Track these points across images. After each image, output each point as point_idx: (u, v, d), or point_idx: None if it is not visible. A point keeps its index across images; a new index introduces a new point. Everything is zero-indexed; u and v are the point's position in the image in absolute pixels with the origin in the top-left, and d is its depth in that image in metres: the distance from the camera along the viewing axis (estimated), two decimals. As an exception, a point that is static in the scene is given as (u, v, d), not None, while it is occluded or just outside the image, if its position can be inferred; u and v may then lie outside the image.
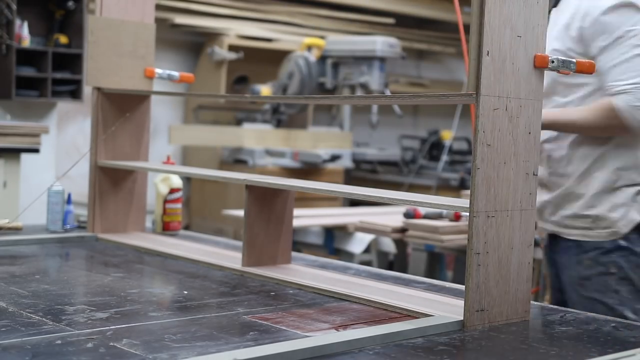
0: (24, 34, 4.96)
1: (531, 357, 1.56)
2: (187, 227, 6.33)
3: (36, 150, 4.58)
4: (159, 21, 3.02)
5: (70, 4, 5.12)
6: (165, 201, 2.90)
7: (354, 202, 5.94)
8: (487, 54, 1.69)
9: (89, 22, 2.75)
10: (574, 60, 1.80)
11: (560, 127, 2.37)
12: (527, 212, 1.81)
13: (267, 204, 2.32)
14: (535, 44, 1.78)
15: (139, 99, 2.85)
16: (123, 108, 2.81)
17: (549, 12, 2.38)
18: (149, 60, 2.86)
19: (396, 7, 7.26)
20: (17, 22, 4.91)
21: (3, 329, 1.58)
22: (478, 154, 1.70)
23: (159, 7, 5.54)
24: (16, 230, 2.76)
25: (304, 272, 2.27)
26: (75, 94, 5.19)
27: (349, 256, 3.94)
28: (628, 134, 2.31)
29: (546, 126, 2.32)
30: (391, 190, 2.11)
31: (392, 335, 1.61)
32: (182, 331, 1.63)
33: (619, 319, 1.89)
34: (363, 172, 6.87)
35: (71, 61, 5.15)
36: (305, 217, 4.24)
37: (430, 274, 4.13)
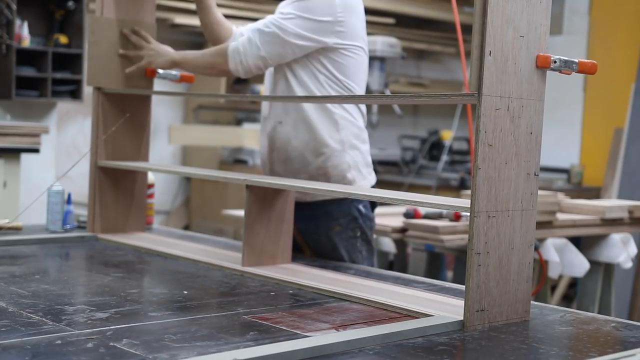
0: (24, 34, 4.95)
1: (531, 357, 1.56)
2: (187, 227, 6.33)
3: (36, 150, 4.58)
4: (159, 21, 3.02)
5: (70, 4, 5.12)
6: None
7: (354, 202, 5.94)
8: (490, 54, 1.69)
9: (89, 22, 2.75)
10: (576, 60, 1.80)
11: (185, 65, 2.73)
12: (528, 212, 1.81)
13: (267, 204, 2.32)
14: (537, 44, 1.78)
15: (139, 99, 2.85)
16: (123, 108, 2.81)
17: None
18: (149, 60, 2.86)
19: (396, 7, 7.26)
20: (17, 22, 4.90)
21: (3, 329, 1.58)
22: (479, 154, 1.70)
23: (159, 7, 5.53)
24: (16, 230, 2.76)
25: (304, 272, 2.27)
26: (75, 94, 5.19)
27: (349, 256, 3.93)
28: (228, 74, 2.67)
29: (175, 64, 2.76)
30: (391, 190, 2.11)
31: (392, 335, 1.61)
32: (182, 331, 1.63)
33: (618, 319, 1.89)
34: (363, 172, 6.86)
35: (71, 61, 5.15)
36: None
37: (430, 274, 4.12)
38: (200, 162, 6.37)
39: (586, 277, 3.96)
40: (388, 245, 4.05)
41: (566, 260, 3.78)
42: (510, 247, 1.78)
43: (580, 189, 6.46)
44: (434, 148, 6.85)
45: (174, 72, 2.94)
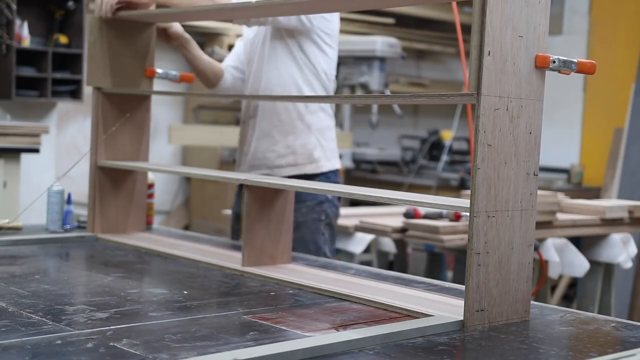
0: (24, 34, 4.95)
1: (531, 357, 1.56)
2: (187, 227, 6.33)
3: (36, 150, 4.58)
4: (159, 21, 3.01)
5: (70, 4, 5.11)
6: None
7: (354, 202, 5.94)
8: (489, 54, 1.69)
9: (89, 22, 2.75)
10: (575, 60, 1.80)
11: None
12: (528, 212, 1.81)
13: (267, 204, 2.32)
14: (536, 44, 1.78)
15: (139, 99, 2.85)
16: (123, 108, 2.81)
17: None
18: (149, 60, 2.86)
19: (396, 7, 7.25)
20: (17, 22, 4.90)
21: (3, 329, 1.58)
22: (479, 154, 1.70)
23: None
24: (16, 230, 2.76)
25: (304, 272, 2.27)
26: (75, 94, 5.19)
27: (349, 256, 3.93)
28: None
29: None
30: (391, 190, 2.11)
31: (392, 335, 1.61)
32: (182, 331, 1.63)
33: (618, 319, 1.89)
34: (363, 172, 6.87)
35: (71, 61, 5.15)
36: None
37: (430, 274, 4.12)
38: (200, 162, 6.37)
39: (586, 277, 3.96)
40: (388, 245, 4.05)
41: (566, 260, 3.78)
42: (510, 247, 1.78)
43: (580, 189, 6.46)
44: (434, 148, 6.85)
45: (174, 72, 2.94)
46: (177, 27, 2.92)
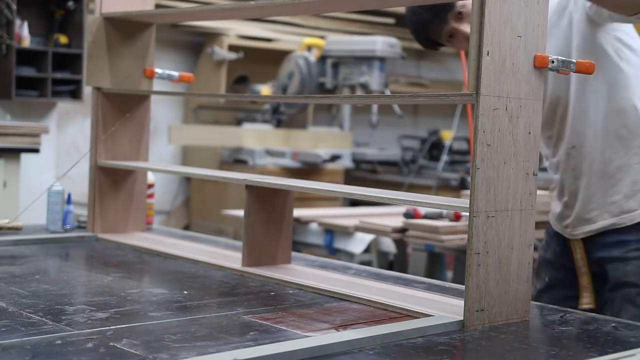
0: (24, 34, 4.95)
1: (531, 357, 1.56)
2: (187, 227, 6.33)
3: (36, 150, 4.58)
4: (159, 21, 3.02)
5: (70, 4, 5.12)
6: None
7: (354, 202, 5.94)
8: (487, 54, 1.69)
9: (89, 22, 2.75)
10: (574, 60, 1.80)
11: None
12: (527, 212, 1.81)
13: (267, 204, 2.32)
14: (535, 44, 1.78)
15: (139, 99, 2.85)
16: (123, 108, 2.81)
17: None
18: (149, 60, 2.86)
19: (396, 7, 7.26)
20: (17, 22, 4.91)
21: (3, 329, 1.58)
22: (478, 154, 1.70)
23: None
24: (16, 230, 2.76)
25: (304, 272, 2.27)
26: (75, 94, 5.19)
27: (349, 256, 3.94)
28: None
29: None
30: (391, 190, 2.11)
31: (392, 335, 1.61)
32: (182, 331, 1.63)
33: (618, 319, 1.89)
34: (363, 172, 6.87)
35: (71, 61, 5.15)
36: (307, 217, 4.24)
37: (430, 274, 4.13)
38: (200, 162, 6.38)
39: (586, 277, 3.95)
40: (388, 245, 4.05)
41: (566, 260, 3.77)
42: (510, 247, 1.78)
43: (580, 189, 6.45)
44: (434, 148, 6.85)
45: (173, 72, 2.94)
46: None
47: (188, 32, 6.72)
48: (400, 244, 4.24)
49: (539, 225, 2.02)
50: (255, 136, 6.27)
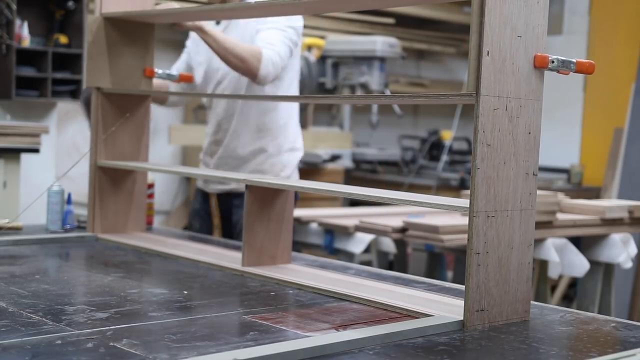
0: (24, 34, 4.95)
1: (531, 357, 1.56)
2: (187, 227, 6.32)
3: (36, 150, 4.58)
4: (159, 21, 3.01)
5: (70, 4, 5.11)
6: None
7: (354, 202, 5.94)
8: (487, 54, 1.69)
9: (89, 22, 2.75)
10: (574, 60, 1.80)
11: (214, 39, 2.89)
12: (527, 212, 1.81)
13: (267, 204, 2.32)
14: (535, 44, 1.79)
15: (139, 99, 2.85)
16: (123, 108, 2.81)
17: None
18: (148, 60, 2.86)
19: (396, 7, 7.26)
20: (17, 22, 4.90)
21: (3, 329, 1.58)
22: (478, 153, 1.70)
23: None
24: (16, 230, 2.76)
25: (304, 272, 2.27)
26: (75, 94, 5.19)
27: (349, 256, 3.93)
28: (247, 74, 2.95)
29: (204, 33, 2.88)
30: (391, 190, 2.11)
31: (392, 335, 1.61)
32: (182, 331, 1.63)
33: (618, 319, 1.89)
34: (363, 172, 6.87)
35: (71, 61, 5.15)
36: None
37: (430, 274, 4.13)
38: (200, 162, 6.36)
39: (586, 277, 3.96)
40: (388, 245, 4.05)
41: (566, 260, 3.78)
42: (510, 246, 1.78)
43: (580, 189, 6.46)
44: (434, 148, 6.85)
45: (173, 72, 2.94)
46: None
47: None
48: (400, 244, 4.24)
49: (539, 225, 2.02)
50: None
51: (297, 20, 3.15)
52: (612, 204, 3.98)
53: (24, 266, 2.27)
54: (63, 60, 5.13)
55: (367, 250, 4.09)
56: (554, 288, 5.64)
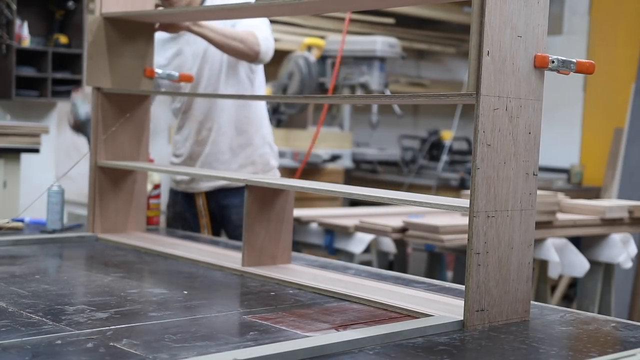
0: (24, 34, 4.95)
1: (531, 357, 1.56)
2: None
3: (36, 150, 4.58)
4: (159, 21, 3.01)
5: (70, 4, 5.11)
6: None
7: (354, 202, 5.94)
8: (487, 54, 1.69)
9: (89, 22, 2.75)
10: (574, 60, 1.80)
11: (210, 31, 2.93)
12: (527, 212, 1.81)
13: (267, 204, 2.32)
14: (535, 44, 1.78)
15: (139, 99, 2.85)
16: (123, 108, 2.81)
17: None
18: (149, 60, 2.86)
19: (396, 7, 7.26)
20: (17, 22, 4.90)
21: (3, 329, 1.58)
22: (478, 153, 1.70)
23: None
24: (16, 230, 2.76)
25: (304, 272, 2.27)
26: (75, 94, 5.18)
27: (349, 256, 3.94)
28: (248, 56, 3.04)
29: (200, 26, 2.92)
30: (391, 190, 2.11)
31: (392, 335, 1.61)
32: (182, 331, 1.63)
33: (618, 319, 1.89)
34: (363, 172, 6.87)
35: (71, 61, 5.15)
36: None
37: (430, 274, 4.13)
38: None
39: (586, 277, 3.96)
40: (388, 245, 4.05)
41: (566, 260, 3.78)
42: (510, 247, 1.78)
43: (580, 189, 6.46)
44: (434, 148, 6.85)
45: (173, 72, 2.94)
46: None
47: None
48: (400, 244, 4.24)
49: (539, 225, 2.03)
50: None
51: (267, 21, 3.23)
52: (612, 204, 3.98)
53: (24, 266, 2.27)
54: (63, 60, 5.13)
55: (367, 250, 4.09)
56: (554, 288, 5.64)
